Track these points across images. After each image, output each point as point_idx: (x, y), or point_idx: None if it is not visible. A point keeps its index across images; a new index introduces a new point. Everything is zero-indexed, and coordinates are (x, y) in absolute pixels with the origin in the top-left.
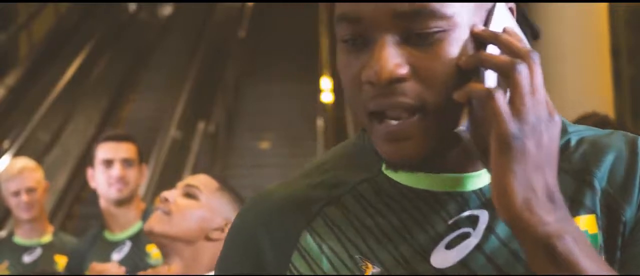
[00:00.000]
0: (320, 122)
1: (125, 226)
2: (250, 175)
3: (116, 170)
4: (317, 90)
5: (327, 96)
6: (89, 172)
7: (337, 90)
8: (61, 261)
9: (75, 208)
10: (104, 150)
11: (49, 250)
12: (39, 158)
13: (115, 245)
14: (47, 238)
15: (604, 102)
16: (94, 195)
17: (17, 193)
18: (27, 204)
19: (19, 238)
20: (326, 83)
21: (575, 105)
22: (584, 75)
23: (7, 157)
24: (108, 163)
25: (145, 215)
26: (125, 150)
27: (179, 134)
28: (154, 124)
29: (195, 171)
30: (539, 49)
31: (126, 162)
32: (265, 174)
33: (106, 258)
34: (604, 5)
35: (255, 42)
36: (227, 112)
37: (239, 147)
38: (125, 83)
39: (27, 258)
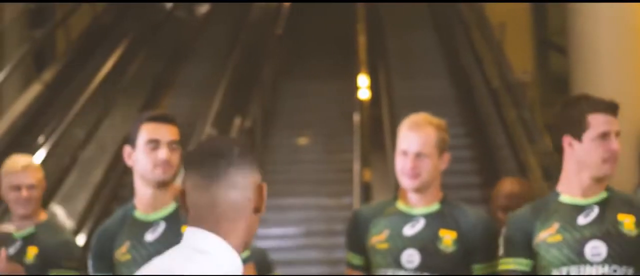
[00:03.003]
0: (356, 118)
1: (160, 207)
2: (287, 171)
3: (163, 152)
4: (354, 88)
5: (364, 93)
6: (127, 150)
7: (374, 87)
8: (31, 252)
9: (112, 205)
10: (150, 131)
11: (26, 241)
12: (74, 154)
13: (149, 225)
14: (29, 230)
15: None
16: (130, 190)
17: (17, 188)
18: (26, 200)
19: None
20: (363, 80)
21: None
22: (621, 72)
23: (43, 152)
24: (154, 144)
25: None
26: (170, 132)
27: (214, 132)
28: (191, 120)
29: None
30: (578, 50)
31: (171, 144)
32: (301, 170)
33: (140, 238)
34: None
35: (292, 39)
36: (264, 109)
37: (276, 144)
38: (162, 80)
39: (11, 250)
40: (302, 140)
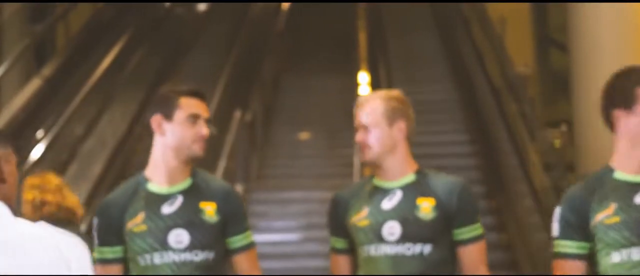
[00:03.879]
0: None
1: (177, 181)
2: (289, 165)
3: (205, 128)
4: (355, 84)
5: (364, 90)
6: (158, 119)
7: (374, 84)
8: None
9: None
10: (191, 106)
11: None
12: (74, 148)
13: (166, 198)
14: None
15: None
16: None
17: None
18: None
19: None
20: (363, 77)
21: None
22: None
23: (42, 146)
24: (195, 119)
25: (193, 174)
26: (207, 109)
27: (213, 129)
28: None
29: (230, 159)
30: (578, 47)
31: (207, 122)
32: (303, 164)
33: (156, 210)
34: None
35: (293, 36)
36: (265, 105)
37: (278, 140)
38: (162, 75)
39: None
40: (304, 136)
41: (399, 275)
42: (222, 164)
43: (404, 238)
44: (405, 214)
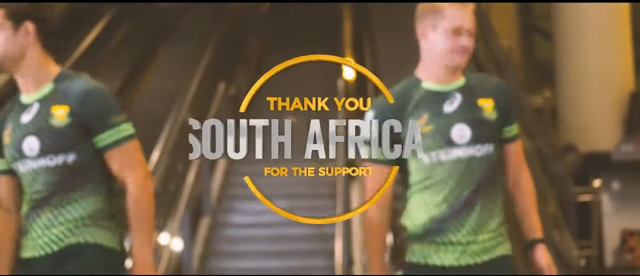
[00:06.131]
0: (341, 83)
1: (39, 88)
2: None
3: None
4: (338, 65)
5: (349, 74)
6: None
7: (358, 53)
8: None
9: None
10: None
11: None
12: None
13: (27, 107)
14: None
15: (626, 88)
16: None
17: None
18: None
19: None
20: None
21: (600, 91)
22: (606, 56)
23: None
24: None
25: (56, 79)
26: None
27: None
28: (174, 94)
29: None
30: (563, 33)
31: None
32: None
33: (17, 120)
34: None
35: (279, 18)
36: (249, 83)
37: (261, 115)
38: (147, 51)
39: None
40: (288, 113)
41: (471, 176)
42: None
43: (474, 140)
44: (471, 116)
